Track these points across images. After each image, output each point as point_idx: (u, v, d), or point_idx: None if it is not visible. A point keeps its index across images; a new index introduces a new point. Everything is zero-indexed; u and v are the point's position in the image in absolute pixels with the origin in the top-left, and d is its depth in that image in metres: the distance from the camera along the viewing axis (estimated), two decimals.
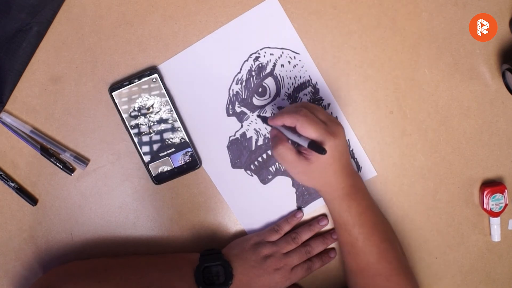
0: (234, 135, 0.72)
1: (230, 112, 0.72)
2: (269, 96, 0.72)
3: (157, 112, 0.70)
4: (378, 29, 0.71)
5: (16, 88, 0.69)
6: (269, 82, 0.71)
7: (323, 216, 0.74)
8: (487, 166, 0.74)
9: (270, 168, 0.73)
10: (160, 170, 0.71)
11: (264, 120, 0.69)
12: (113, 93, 0.69)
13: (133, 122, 0.70)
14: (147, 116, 0.70)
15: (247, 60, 0.71)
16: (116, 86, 0.69)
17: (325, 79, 0.71)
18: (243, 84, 0.71)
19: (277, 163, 0.73)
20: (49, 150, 0.70)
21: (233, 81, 0.71)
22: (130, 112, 0.69)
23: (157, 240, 0.73)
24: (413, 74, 0.72)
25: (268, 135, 0.72)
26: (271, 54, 0.71)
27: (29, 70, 0.69)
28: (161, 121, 0.70)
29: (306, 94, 0.72)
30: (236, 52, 0.71)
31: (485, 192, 0.73)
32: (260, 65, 0.71)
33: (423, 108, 0.73)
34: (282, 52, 0.71)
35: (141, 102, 0.69)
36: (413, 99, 0.72)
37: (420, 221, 0.75)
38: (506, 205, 0.73)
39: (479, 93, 0.73)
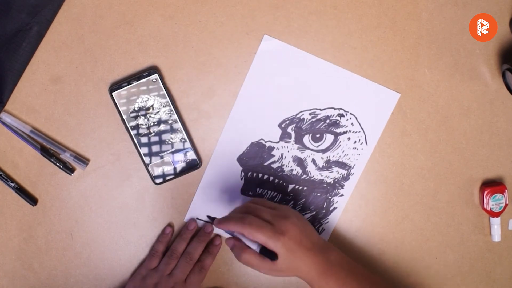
0: (265, 142, 0.72)
1: (283, 126, 0.71)
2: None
3: (157, 112, 0.70)
4: (378, 29, 0.71)
5: (16, 88, 0.69)
6: (329, 137, 0.72)
7: (191, 220, 0.73)
8: (487, 166, 0.74)
9: (257, 189, 0.73)
10: (160, 170, 0.71)
11: (211, 221, 0.70)
12: (113, 93, 0.69)
13: (133, 123, 0.70)
14: (147, 116, 0.70)
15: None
16: (116, 86, 0.69)
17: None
18: (313, 119, 0.72)
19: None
20: (49, 150, 0.70)
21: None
22: (130, 113, 0.69)
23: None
24: (413, 74, 0.72)
25: (292, 159, 0.72)
26: (352, 124, 0.72)
27: (29, 70, 0.69)
28: (161, 121, 0.70)
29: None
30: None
31: (485, 192, 0.73)
32: (337, 121, 0.71)
33: (423, 108, 0.73)
34: (359, 132, 0.72)
35: (141, 102, 0.69)
36: (413, 99, 0.72)
37: (420, 221, 0.75)
38: (506, 205, 0.73)
39: (479, 93, 0.73)
